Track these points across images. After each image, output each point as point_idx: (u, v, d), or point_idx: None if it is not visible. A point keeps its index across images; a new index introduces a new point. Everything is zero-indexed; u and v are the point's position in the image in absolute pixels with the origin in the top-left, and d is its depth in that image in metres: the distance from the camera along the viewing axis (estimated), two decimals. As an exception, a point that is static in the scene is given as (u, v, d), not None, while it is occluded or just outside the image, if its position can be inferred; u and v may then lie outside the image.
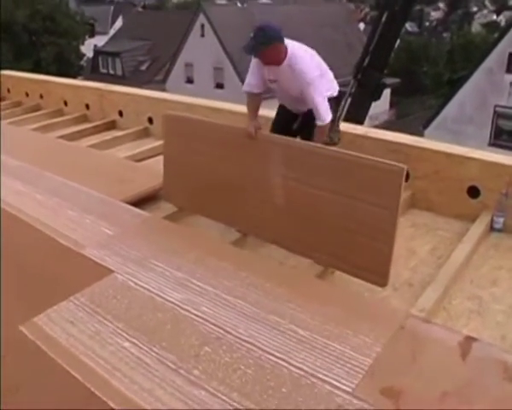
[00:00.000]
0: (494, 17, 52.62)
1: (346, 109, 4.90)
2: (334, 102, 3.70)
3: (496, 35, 25.40)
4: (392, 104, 31.82)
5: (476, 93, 21.75)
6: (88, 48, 34.87)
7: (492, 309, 2.92)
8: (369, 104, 4.46)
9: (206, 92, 22.73)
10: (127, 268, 2.80)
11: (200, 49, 29.32)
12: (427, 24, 57.28)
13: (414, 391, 1.96)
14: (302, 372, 2.04)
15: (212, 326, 2.32)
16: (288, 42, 3.44)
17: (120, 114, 6.63)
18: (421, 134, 20.32)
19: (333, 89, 3.67)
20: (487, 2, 58.28)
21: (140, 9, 49.88)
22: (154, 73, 32.82)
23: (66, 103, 7.47)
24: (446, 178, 3.94)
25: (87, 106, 7.13)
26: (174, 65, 31.63)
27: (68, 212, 3.54)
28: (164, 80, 31.54)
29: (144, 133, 6.22)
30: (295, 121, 3.69)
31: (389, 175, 2.85)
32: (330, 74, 3.71)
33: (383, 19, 4.32)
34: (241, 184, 3.50)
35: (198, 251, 3.02)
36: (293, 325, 2.31)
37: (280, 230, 3.30)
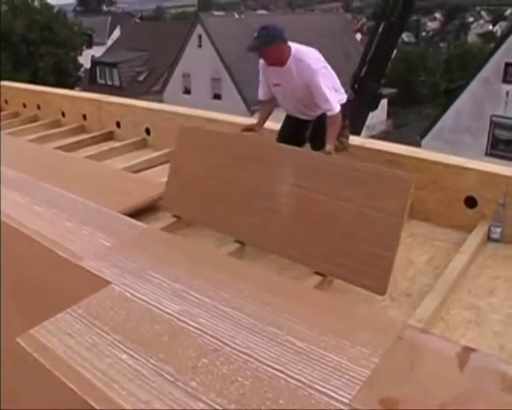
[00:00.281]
0: (490, 27, 52.98)
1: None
2: (343, 108, 3.74)
3: (492, 45, 25.53)
4: (389, 114, 31.93)
5: (473, 103, 21.84)
6: (86, 58, 34.96)
7: (490, 319, 2.91)
8: (367, 114, 4.48)
9: (204, 103, 22.79)
10: (124, 279, 2.80)
11: (198, 59, 29.41)
12: (424, 34, 57.66)
13: (412, 402, 1.95)
14: (299, 384, 2.03)
15: (210, 338, 2.31)
16: (292, 44, 3.51)
17: (118, 125, 6.64)
18: (418, 144, 20.39)
19: (340, 98, 3.72)
20: (483, 13, 58.66)
21: (137, 20, 50.17)
22: (151, 83, 32.91)
23: (63, 114, 7.48)
24: (444, 188, 3.94)
25: (84, 117, 7.14)
26: (171, 76, 31.72)
27: (66, 223, 3.53)
28: (161, 91, 31.61)
29: (142, 144, 6.23)
30: (303, 130, 3.71)
31: (398, 183, 3.02)
32: (338, 82, 3.75)
33: (380, 29, 4.34)
34: (250, 192, 3.56)
35: (195, 262, 3.02)
36: (290, 336, 2.31)
37: (283, 237, 3.33)
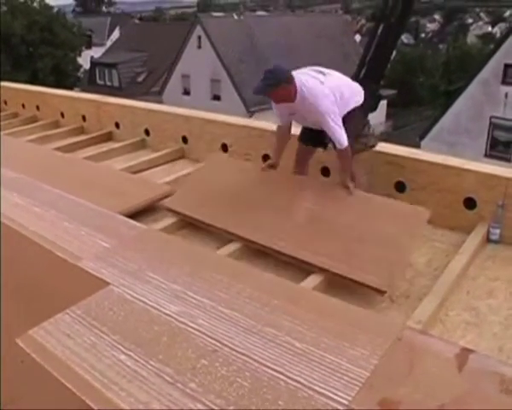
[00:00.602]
0: (489, 29, 53.04)
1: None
2: (362, 108, 3.80)
3: (491, 46, 25.57)
4: (388, 116, 31.95)
5: (472, 104, 21.86)
6: (85, 59, 34.99)
7: (489, 321, 2.91)
8: (366, 115, 4.46)
9: (203, 104, 22.80)
10: (123, 280, 2.79)
11: (197, 60, 29.44)
12: (423, 35, 57.74)
13: (411, 403, 1.95)
14: (299, 385, 2.03)
15: (209, 339, 2.31)
16: (298, 76, 3.53)
17: (117, 125, 6.64)
18: (417, 145, 20.40)
19: (355, 101, 3.74)
20: (482, 14, 58.72)
21: (137, 21, 50.14)
22: (150, 84, 32.93)
23: (62, 115, 7.48)
24: (443, 189, 3.95)
25: (84, 117, 7.14)
26: (171, 76, 31.74)
27: (65, 224, 3.53)
28: (161, 92, 31.62)
29: (141, 145, 6.23)
30: (323, 134, 3.75)
31: (415, 213, 3.47)
32: (351, 88, 3.78)
33: (379, 30, 4.33)
34: (262, 202, 3.81)
35: (194, 263, 3.01)
36: (289, 337, 2.31)
37: (290, 236, 3.45)
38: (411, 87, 34.65)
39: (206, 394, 2.00)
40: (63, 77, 30.03)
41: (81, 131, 7.08)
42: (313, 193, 3.76)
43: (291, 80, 3.48)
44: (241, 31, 29.99)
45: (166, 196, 4.26)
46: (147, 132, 6.23)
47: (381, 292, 2.99)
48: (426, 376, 2.10)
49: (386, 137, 22.24)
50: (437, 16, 62.09)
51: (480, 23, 56.64)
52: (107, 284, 2.77)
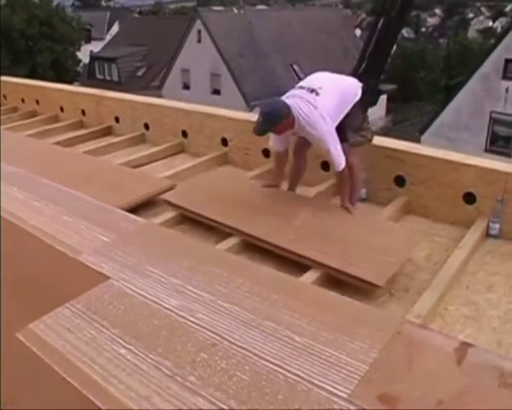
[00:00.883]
0: (490, 23, 52.92)
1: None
2: (360, 102, 3.81)
3: (492, 41, 25.53)
4: (388, 110, 31.94)
5: (472, 99, 21.85)
6: (84, 53, 34.92)
7: (488, 315, 2.92)
8: (366, 110, 4.46)
9: (203, 98, 22.79)
10: (123, 275, 2.80)
11: (197, 55, 29.39)
12: (424, 30, 57.61)
13: (410, 397, 1.96)
14: (298, 379, 2.04)
15: (208, 333, 2.32)
16: (293, 105, 3.53)
17: (116, 120, 6.63)
18: (417, 140, 20.40)
19: (353, 101, 3.75)
20: (483, 9, 58.59)
21: (136, 15, 50.00)
22: (150, 78, 32.87)
23: (62, 109, 7.48)
24: (442, 184, 3.95)
25: (83, 112, 7.13)
26: (170, 71, 31.69)
27: (64, 218, 3.53)
28: (160, 86, 31.57)
29: (140, 139, 6.22)
30: None
31: (408, 234, 3.60)
32: (347, 93, 3.76)
33: (379, 25, 4.33)
34: (262, 207, 3.86)
35: (194, 257, 3.02)
36: (289, 331, 2.31)
37: (287, 234, 3.47)
38: (411, 82, 34.60)
39: (205, 387, 2.01)
40: (62, 71, 29.98)
41: (81, 125, 7.07)
42: (312, 206, 3.83)
43: (289, 113, 3.49)
44: (241, 25, 29.93)
45: (166, 191, 4.26)
46: (146, 127, 6.23)
47: (377, 286, 2.99)
48: (425, 370, 2.10)
49: (385, 132, 22.26)
50: (438, 10, 61.95)
51: (481, 18, 56.51)
52: (107, 278, 2.77)
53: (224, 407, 1.91)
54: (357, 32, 41.81)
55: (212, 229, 3.75)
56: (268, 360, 2.14)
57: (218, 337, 2.28)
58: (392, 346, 2.22)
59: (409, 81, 34.09)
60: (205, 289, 2.64)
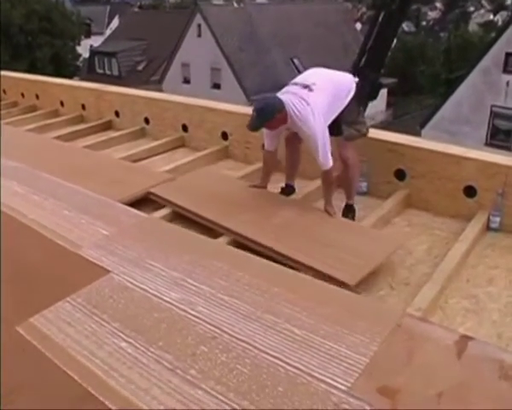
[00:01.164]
0: (491, 17, 52.73)
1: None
2: (361, 96, 3.83)
3: (493, 35, 25.46)
4: (388, 104, 31.89)
5: (473, 93, 21.81)
6: (84, 48, 34.84)
7: (488, 308, 2.92)
8: (366, 104, 4.46)
9: (203, 92, 22.77)
10: (123, 268, 2.80)
11: (197, 49, 29.33)
12: (424, 23, 57.42)
13: (410, 390, 1.96)
14: (298, 371, 2.04)
15: (209, 326, 2.32)
16: (287, 100, 3.54)
17: (117, 114, 6.63)
18: (418, 134, 20.37)
19: (347, 97, 3.74)
20: (484, 2, 58.37)
21: (136, 9, 49.81)
22: (150, 73, 32.80)
23: (62, 104, 7.47)
24: (443, 177, 3.95)
25: (83, 106, 7.13)
26: (171, 65, 31.62)
27: (65, 212, 3.53)
28: (160, 80, 31.51)
29: (141, 134, 6.22)
30: None
31: (390, 237, 3.63)
32: (341, 89, 3.76)
33: (380, 18, 4.32)
34: (247, 205, 3.88)
35: (194, 251, 3.02)
36: (289, 324, 2.32)
37: (268, 232, 3.47)
38: (412, 76, 34.51)
39: (205, 380, 2.01)
40: (62, 66, 29.91)
41: (81, 119, 7.06)
42: (294, 207, 3.84)
43: (282, 107, 3.51)
44: (241, 19, 29.85)
45: (166, 185, 4.26)
46: (147, 121, 6.22)
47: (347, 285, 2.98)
48: (425, 362, 2.11)
49: (386, 126, 22.24)
50: (438, 4, 61.71)
51: (482, 11, 56.27)
52: (108, 271, 2.77)
53: (225, 400, 1.91)
54: (358, 25, 41.68)
55: (205, 227, 3.73)
56: (268, 353, 2.14)
57: (218, 330, 2.29)
58: (393, 339, 2.22)
59: (409, 75, 34.00)
60: (205, 283, 2.65)
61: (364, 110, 4.33)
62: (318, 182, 4.27)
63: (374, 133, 4.41)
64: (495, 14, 52.44)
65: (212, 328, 2.30)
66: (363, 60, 4.30)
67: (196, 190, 4.16)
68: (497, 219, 3.73)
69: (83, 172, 4.43)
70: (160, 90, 23.36)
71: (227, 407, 1.88)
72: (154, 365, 2.10)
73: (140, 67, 33.92)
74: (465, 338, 2.24)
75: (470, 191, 3.86)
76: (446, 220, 3.90)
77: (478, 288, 3.11)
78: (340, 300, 2.57)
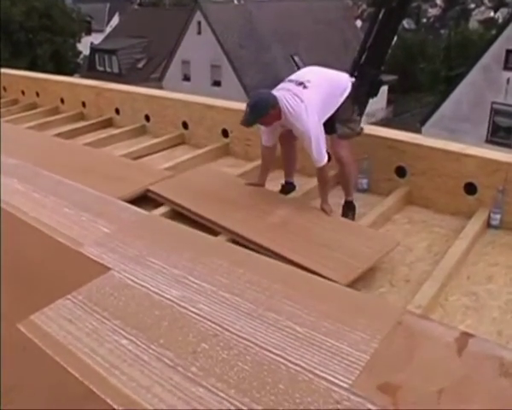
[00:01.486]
0: (492, 14, 52.61)
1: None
2: (352, 96, 3.80)
3: (493, 32, 25.42)
4: (389, 101, 31.84)
5: (473, 90, 21.79)
6: (85, 45, 34.79)
7: (489, 305, 2.93)
8: (366, 101, 4.46)
9: (203, 90, 22.74)
10: (124, 266, 2.80)
11: (197, 46, 29.30)
12: (425, 21, 57.29)
13: (411, 386, 1.97)
14: (299, 369, 2.04)
15: (210, 323, 2.32)
16: (281, 96, 3.56)
17: (117, 111, 6.62)
18: (418, 131, 20.36)
19: (342, 96, 3.74)
20: (484, -1, 58.21)
21: (136, 7, 49.80)
22: (150, 70, 32.79)
23: (62, 101, 7.46)
24: (443, 174, 3.95)
25: (84, 104, 7.12)
26: (171, 62, 31.61)
27: (65, 210, 3.53)
28: (161, 78, 31.50)
29: (141, 131, 6.22)
30: None
31: (384, 238, 3.57)
32: (335, 88, 3.76)
33: (380, 16, 4.31)
34: (242, 204, 3.86)
35: (195, 249, 3.02)
36: (290, 321, 2.32)
37: (262, 231, 3.47)
38: (412, 73, 34.48)
39: (206, 377, 2.01)
40: (63, 63, 29.87)
41: (81, 117, 7.06)
42: (292, 206, 3.84)
43: (276, 103, 3.53)
44: (241, 16, 29.82)
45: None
46: (147, 118, 6.22)
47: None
48: (425, 360, 2.11)
49: (386, 123, 22.22)
50: (438, 1, 61.60)
51: (482, 8, 56.14)
52: (108, 269, 2.77)
53: (226, 397, 1.92)
54: (358, 23, 41.63)
55: (203, 226, 3.73)
56: (269, 351, 2.14)
57: (219, 328, 2.29)
58: (393, 336, 2.22)
59: (409, 72, 33.97)
60: (206, 280, 2.65)
61: (365, 107, 4.33)
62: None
63: (374, 130, 4.42)
64: (495, 11, 52.32)
65: (214, 325, 2.31)
66: (364, 57, 4.29)
67: (193, 188, 4.14)
68: (498, 216, 3.73)
69: (83, 169, 4.43)
70: (161, 88, 23.34)
71: (228, 405, 1.89)
72: (156, 362, 2.10)
73: (140, 65, 33.91)
74: (465, 335, 2.24)
75: (470, 188, 3.86)
76: (447, 218, 3.90)
77: (478, 285, 3.12)
78: (340, 297, 2.58)
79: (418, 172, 4.08)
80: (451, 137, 15.29)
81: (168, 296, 2.53)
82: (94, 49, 36.77)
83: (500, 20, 42.00)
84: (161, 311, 2.43)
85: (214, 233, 3.54)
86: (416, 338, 2.24)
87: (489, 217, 3.75)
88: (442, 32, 46.86)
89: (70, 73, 26.73)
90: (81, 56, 34.29)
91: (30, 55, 28.34)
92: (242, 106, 3.78)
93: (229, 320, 2.34)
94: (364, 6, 56.07)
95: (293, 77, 3.79)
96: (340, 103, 3.72)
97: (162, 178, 4.30)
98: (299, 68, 4.45)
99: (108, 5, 50.19)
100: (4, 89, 8.64)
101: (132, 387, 1.98)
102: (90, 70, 34.28)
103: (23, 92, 8.21)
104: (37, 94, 7.91)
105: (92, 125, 6.59)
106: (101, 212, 3.49)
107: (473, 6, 57.18)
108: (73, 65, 32.45)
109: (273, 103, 3.52)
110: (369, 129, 4.39)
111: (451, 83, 24.17)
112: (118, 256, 2.90)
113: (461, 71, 23.78)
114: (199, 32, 29.69)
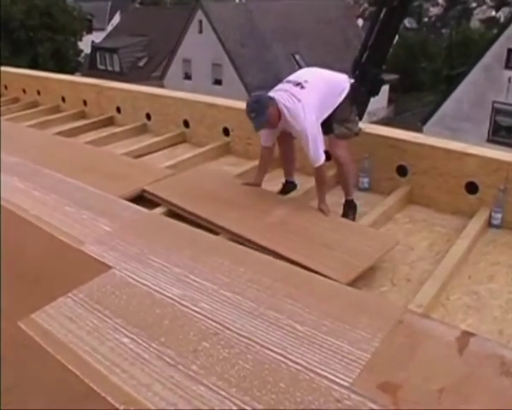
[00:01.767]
0: (493, 13, 52.56)
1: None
2: (352, 96, 3.79)
3: (495, 31, 25.40)
4: (390, 100, 31.80)
5: (474, 89, 21.77)
6: (86, 44, 34.78)
7: (490, 304, 2.92)
8: (368, 100, 4.46)
9: (205, 88, 22.73)
10: (125, 264, 2.80)
11: (198, 45, 29.28)
12: (426, 20, 57.24)
13: (412, 386, 1.97)
14: (300, 367, 2.04)
15: (211, 322, 2.32)
16: (278, 97, 3.57)
17: (118, 110, 6.61)
18: (419, 130, 20.34)
19: (340, 96, 3.73)
20: (486, -2, 58.13)
21: (137, 5, 49.70)
22: (151, 69, 32.77)
23: (63, 100, 7.45)
24: (444, 173, 3.94)
25: (85, 102, 7.11)
26: (172, 61, 31.59)
27: (66, 208, 3.54)
28: (162, 77, 31.48)
29: (142, 129, 6.21)
30: None
31: (384, 237, 3.55)
32: (333, 88, 3.75)
33: (382, 15, 4.31)
34: (239, 203, 3.83)
35: (196, 247, 3.02)
36: (291, 320, 2.32)
37: (260, 231, 3.43)
38: (413, 72, 34.44)
39: (207, 376, 2.01)
40: (64, 62, 29.85)
41: (82, 115, 7.05)
42: (290, 206, 3.82)
43: (273, 101, 3.54)
44: (243, 14, 29.80)
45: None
46: (148, 117, 6.22)
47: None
48: (427, 359, 2.11)
49: (387, 122, 22.21)
50: (440, 0, 61.56)
51: (484, 7, 56.07)
52: (110, 267, 2.78)
53: (227, 396, 1.92)
54: (360, 21, 41.58)
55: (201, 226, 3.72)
56: (270, 349, 2.15)
57: (220, 326, 2.29)
58: (394, 335, 2.22)
59: (411, 71, 33.93)
60: (207, 279, 2.65)
61: (366, 106, 4.33)
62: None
63: (376, 129, 4.41)
64: (497, 11, 52.26)
65: (215, 324, 2.31)
66: (365, 56, 4.29)
67: (190, 188, 4.11)
68: (499, 215, 3.72)
69: (84, 168, 4.43)
70: (162, 86, 23.32)
71: (229, 403, 1.89)
72: (156, 361, 2.11)
73: (141, 63, 33.89)
74: (466, 334, 2.25)
75: (472, 188, 3.85)
76: (448, 217, 3.90)
77: (479, 284, 3.11)
78: (341, 296, 2.58)
79: (419, 172, 4.07)
80: (453, 136, 15.28)
81: (169, 295, 2.53)
82: (95, 48, 36.75)
83: (502, 20, 42.02)
84: (162, 309, 2.43)
85: (215, 232, 3.54)
86: (417, 337, 2.24)
87: (490, 216, 3.75)
88: (443, 31, 46.83)
89: (71, 72, 26.69)
90: (82, 55, 34.26)
91: (31, 54, 28.32)
92: (243, 105, 3.77)
93: (230, 319, 2.34)
94: (366, 5, 56.04)
95: (290, 78, 3.79)
96: (338, 103, 3.71)
97: (163, 177, 4.30)
98: (300, 67, 4.46)
99: (110, 3, 50.15)
100: (5, 87, 8.63)
101: (133, 385, 1.98)
102: (92, 68, 34.26)
103: (24, 91, 8.20)
104: (38, 92, 7.90)
105: (93, 123, 6.58)
106: (102, 210, 3.49)
107: (474, 5, 57.11)
108: (74, 63, 32.43)
109: (270, 101, 3.53)
110: (371, 128, 4.39)
111: (453, 82, 24.14)
112: (119, 255, 2.90)
113: (462, 70, 23.76)
114: (200, 31, 29.68)
